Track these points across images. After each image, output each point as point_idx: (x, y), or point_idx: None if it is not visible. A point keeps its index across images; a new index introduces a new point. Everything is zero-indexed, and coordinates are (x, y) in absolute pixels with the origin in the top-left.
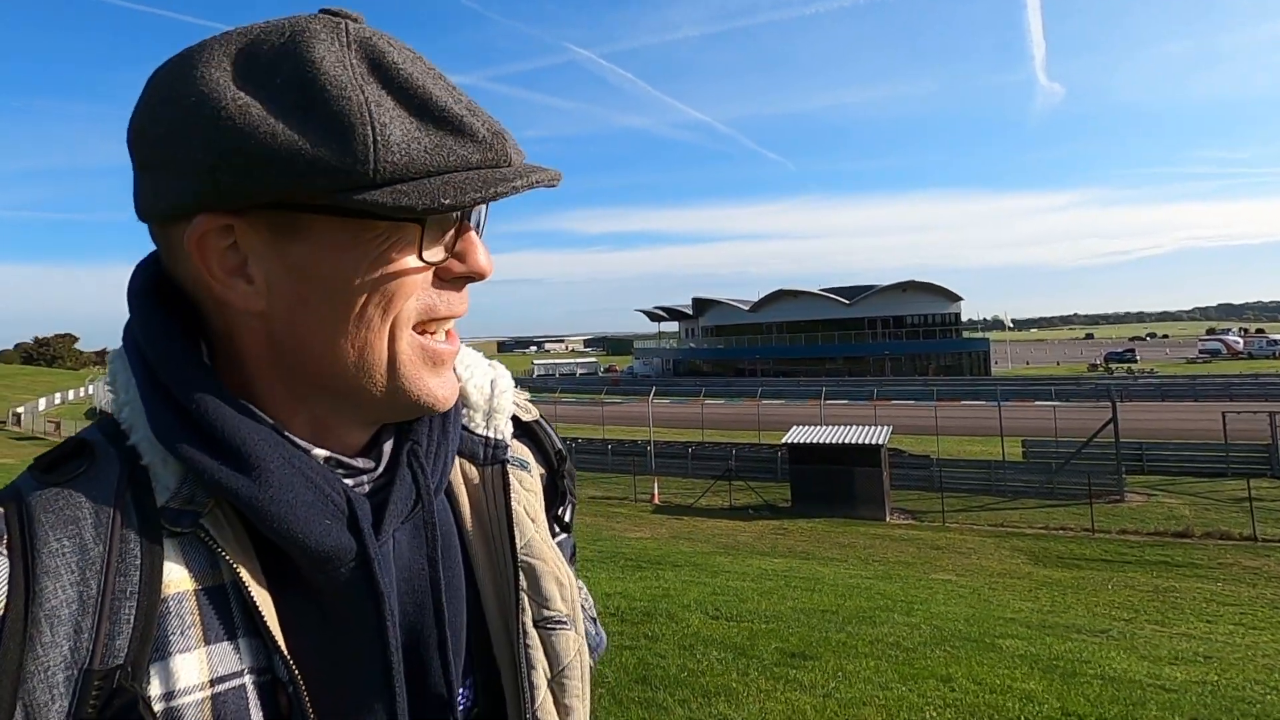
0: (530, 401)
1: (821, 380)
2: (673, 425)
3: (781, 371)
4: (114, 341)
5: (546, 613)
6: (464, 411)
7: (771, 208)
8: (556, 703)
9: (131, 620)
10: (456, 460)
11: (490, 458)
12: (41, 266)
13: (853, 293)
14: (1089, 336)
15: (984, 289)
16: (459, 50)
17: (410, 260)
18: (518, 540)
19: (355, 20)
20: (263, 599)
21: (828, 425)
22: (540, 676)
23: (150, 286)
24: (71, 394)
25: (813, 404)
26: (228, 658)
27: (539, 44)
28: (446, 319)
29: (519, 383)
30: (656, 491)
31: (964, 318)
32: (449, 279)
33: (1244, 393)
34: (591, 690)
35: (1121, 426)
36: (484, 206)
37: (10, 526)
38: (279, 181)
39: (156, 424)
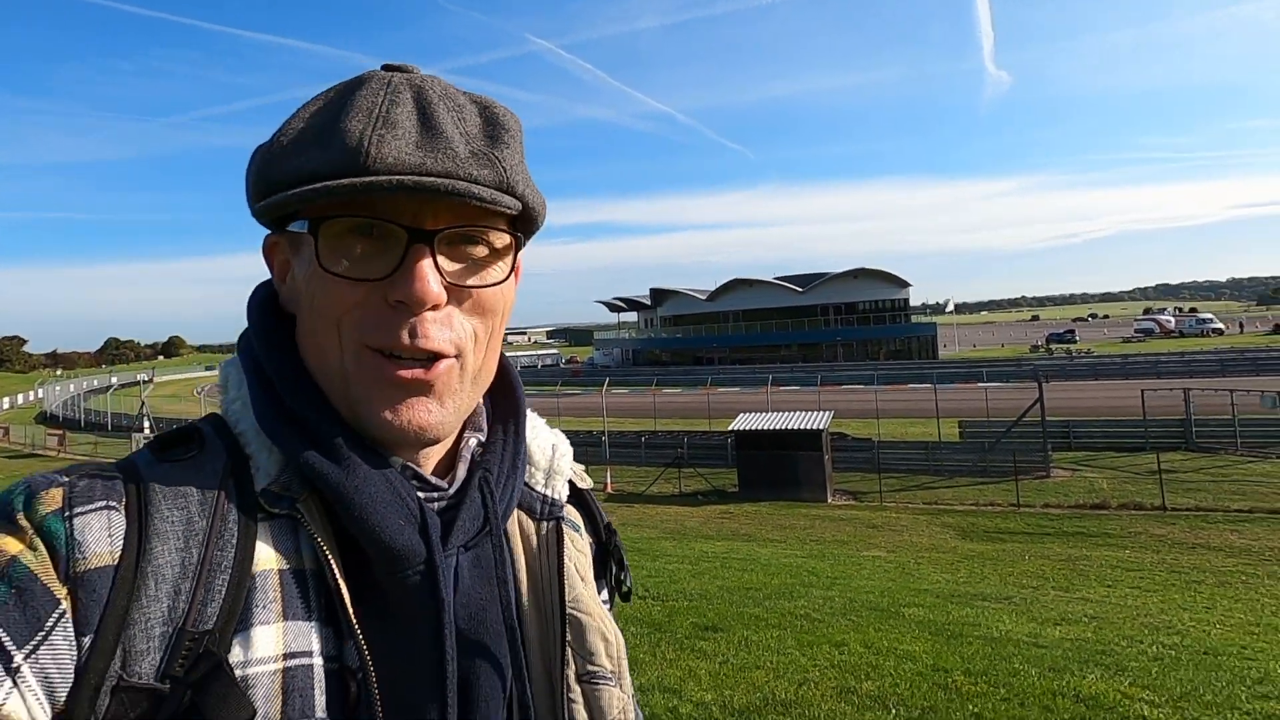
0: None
1: (775, 367)
2: (628, 415)
3: (738, 359)
4: (63, 343)
5: (591, 668)
6: (527, 468)
7: (732, 197)
8: None
9: (224, 591)
10: (515, 510)
11: (546, 514)
12: None
13: (806, 280)
14: (1035, 318)
15: (936, 273)
16: (417, 44)
17: (319, 271)
18: (567, 593)
19: (395, 68)
20: (342, 587)
21: (774, 412)
22: None
23: (267, 299)
24: (20, 398)
25: (766, 391)
26: (302, 636)
27: (499, 34)
28: (388, 344)
29: None
30: (609, 480)
31: (914, 303)
32: (394, 303)
33: (1170, 370)
34: None
35: (1053, 405)
36: (514, 240)
37: (129, 493)
38: (249, 200)
39: (264, 419)
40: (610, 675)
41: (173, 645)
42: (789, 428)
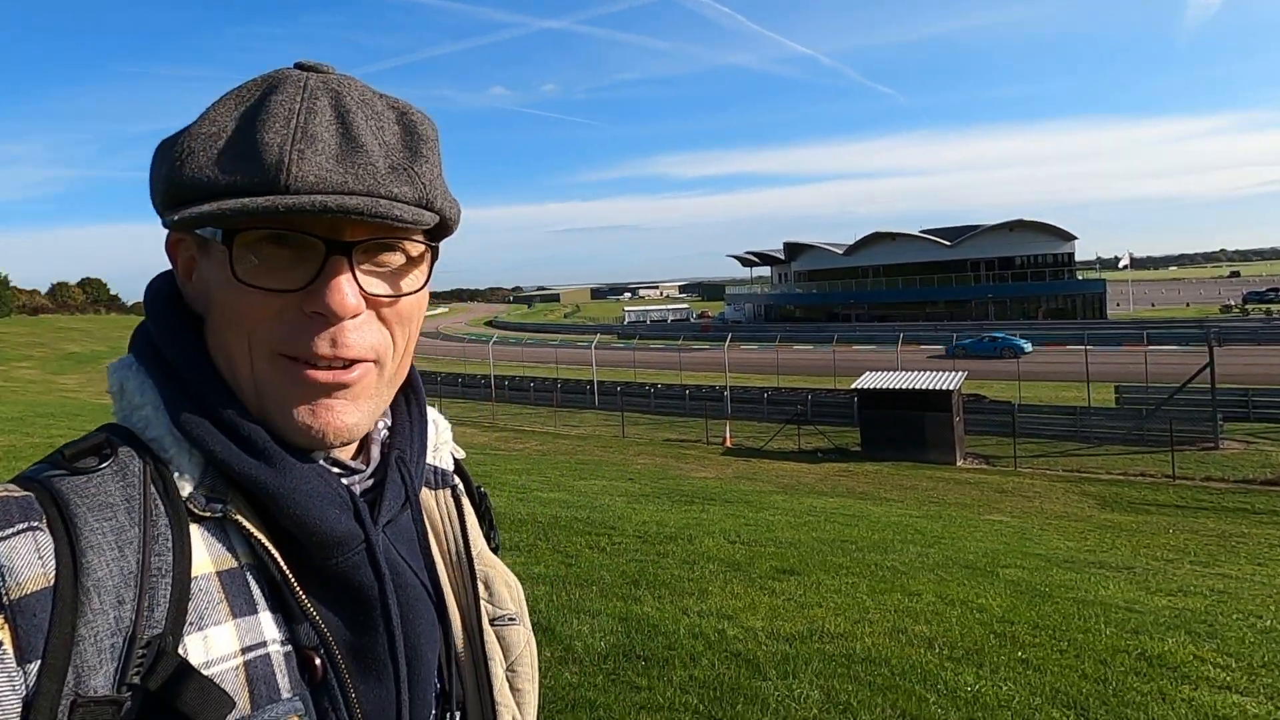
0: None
1: (917, 325)
2: (753, 371)
3: (877, 316)
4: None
5: (501, 612)
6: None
7: (879, 144)
8: (511, 687)
9: (168, 594)
10: None
11: (440, 483)
12: None
13: (955, 234)
14: (1234, 275)
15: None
16: None
17: (232, 281)
18: (474, 551)
19: (308, 68)
20: (289, 576)
21: (904, 371)
22: (497, 666)
23: (171, 296)
24: None
25: (897, 349)
26: (254, 629)
27: None
28: (307, 354)
29: (611, 330)
30: (729, 435)
31: (1082, 257)
32: (311, 313)
33: None
34: (540, 674)
35: (1236, 372)
36: (428, 250)
37: (48, 510)
38: (153, 202)
39: (182, 421)
40: (515, 616)
41: (125, 654)
42: (916, 387)
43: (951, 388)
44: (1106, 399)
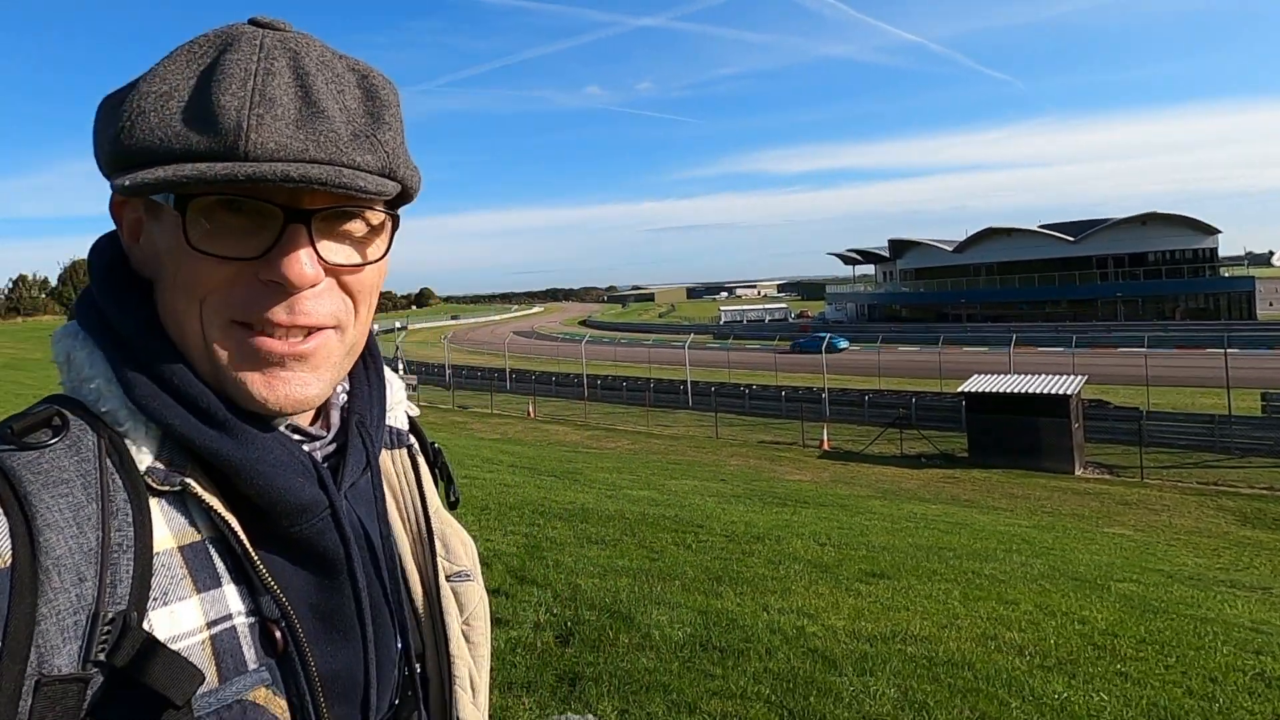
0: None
1: (1036, 326)
2: (853, 372)
3: (991, 317)
4: None
5: (457, 568)
6: None
7: (994, 135)
8: (467, 640)
9: (130, 570)
10: None
11: (396, 443)
12: None
13: (1079, 228)
14: None
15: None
16: None
17: (185, 248)
18: (431, 509)
19: (263, 25)
20: (250, 549)
21: (1017, 374)
22: (453, 621)
23: (116, 259)
24: None
25: (1009, 352)
26: (219, 603)
27: None
28: (264, 321)
29: (706, 329)
30: (826, 438)
31: (1227, 252)
32: (266, 281)
33: None
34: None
35: None
36: (389, 219)
37: (0, 488)
38: (97, 161)
39: (137, 394)
40: (470, 573)
41: (89, 631)
42: (1030, 391)
43: (1070, 392)
44: (1250, 407)
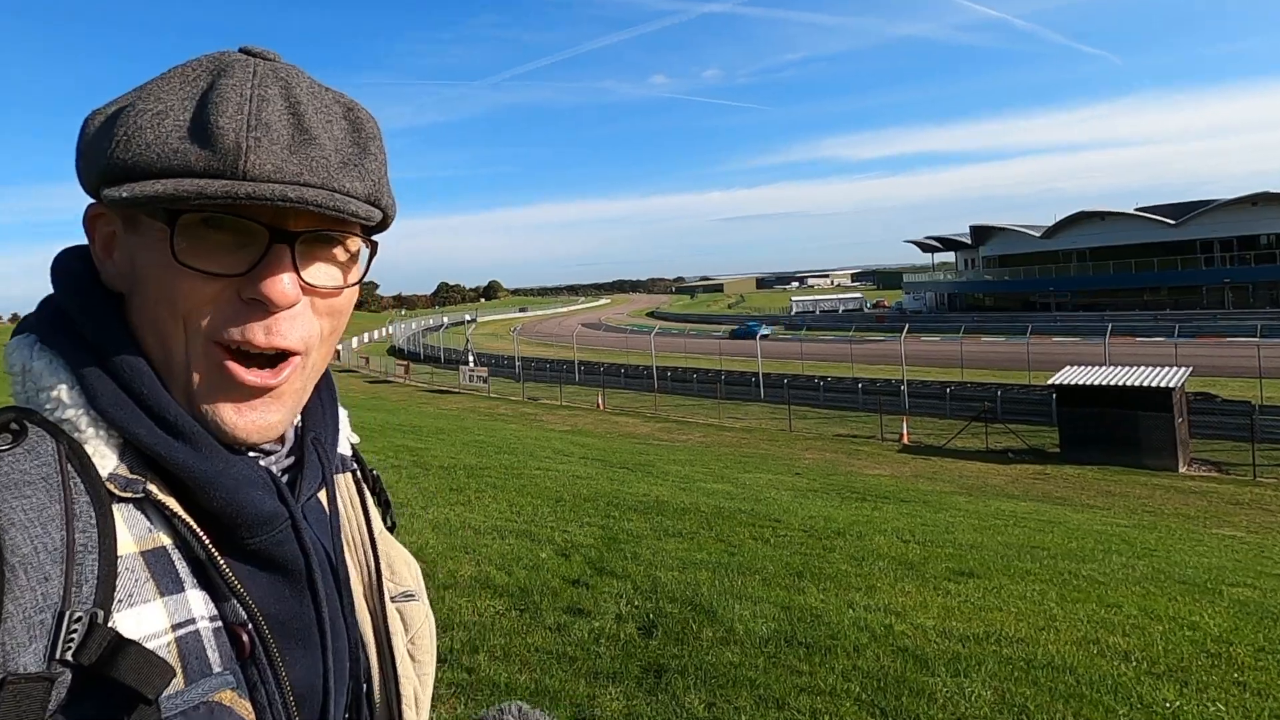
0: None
1: (1133, 315)
2: (934, 364)
3: (1082, 305)
4: (405, 287)
5: (400, 589)
6: None
7: (1085, 113)
8: (412, 658)
9: (95, 570)
10: None
11: (341, 468)
12: None
13: (1180, 211)
14: None
15: None
16: None
17: (170, 262)
18: (376, 532)
19: (254, 54)
20: (215, 555)
21: (1114, 366)
22: (399, 640)
23: (86, 273)
24: (377, 333)
25: (1104, 342)
26: (182, 607)
27: None
28: (240, 341)
29: (777, 320)
30: (905, 431)
31: None
32: (248, 299)
33: None
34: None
35: None
36: (368, 244)
37: None
38: (84, 173)
39: (103, 402)
40: (414, 593)
41: (55, 630)
42: (1128, 384)
43: (1172, 384)
44: None
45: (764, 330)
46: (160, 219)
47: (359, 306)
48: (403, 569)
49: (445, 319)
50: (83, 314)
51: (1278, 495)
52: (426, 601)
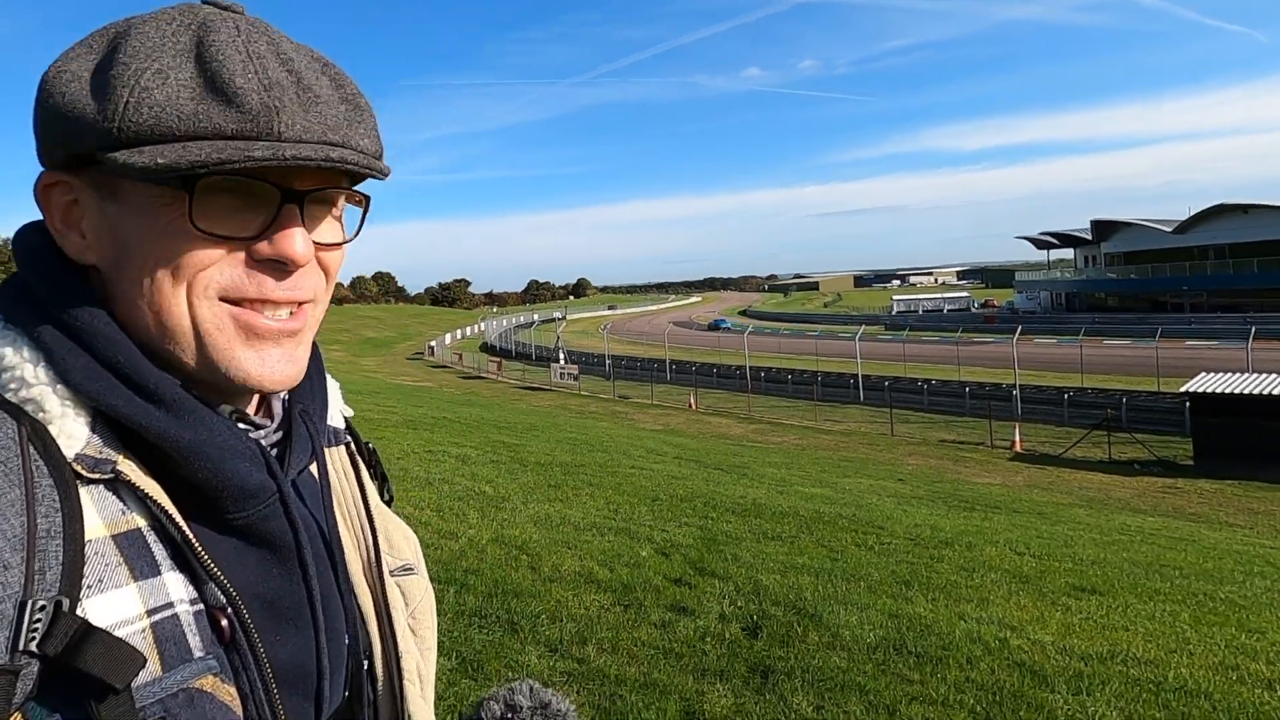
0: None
1: (1277, 316)
2: (1050, 368)
3: (1221, 306)
4: (497, 284)
5: (399, 563)
6: None
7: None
8: (413, 632)
9: (60, 557)
10: None
11: (334, 441)
12: (440, 221)
13: None
14: None
15: None
16: None
17: (185, 227)
18: (372, 506)
19: (223, 9)
20: (190, 536)
21: (1256, 373)
22: (399, 615)
23: (49, 248)
24: (469, 329)
25: (1247, 346)
26: (159, 591)
27: None
28: (257, 300)
29: (877, 320)
30: (1018, 438)
31: None
32: (261, 259)
33: None
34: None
35: None
36: (364, 200)
37: None
38: (62, 139)
39: (77, 377)
40: (413, 567)
41: (16, 620)
42: (1274, 393)
43: None
44: None
45: (727, 322)
46: (174, 185)
47: (451, 303)
48: (401, 542)
49: (536, 316)
50: (49, 289)
51: None
52: (426, 575)
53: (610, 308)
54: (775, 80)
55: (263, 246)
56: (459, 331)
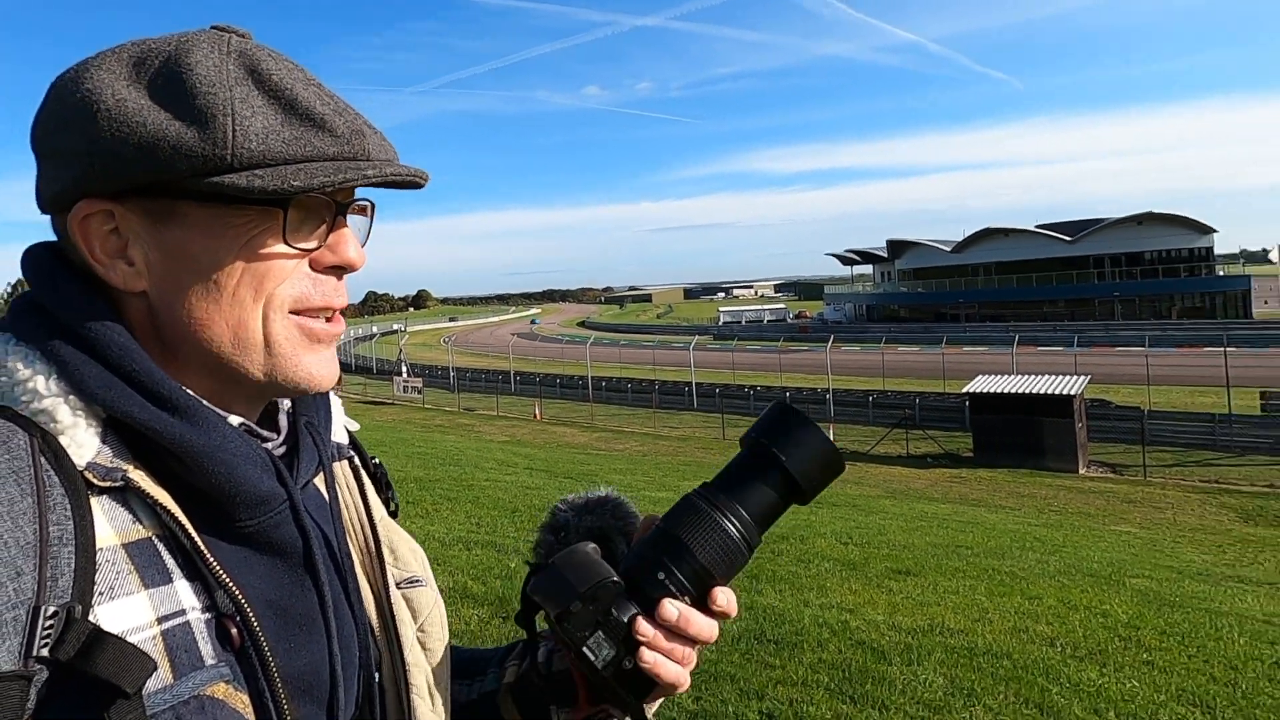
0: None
1: (1034, 326)
2: (856, 373)
3: (988, 316)
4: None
5: (405, 575)
6: None
7: (992, 134)
8: (423, 647)
9: (72, 564)
10: None
11: (338, 455)
12: None
13: (1076, 228)
14: None
15: (1259, 216)
16: None
17: (276, 245)
18: (377, 518)
19: (241, 35)
20: (200, 544)
21: (1021, 374)
22: (407, 628)
23: (62, 268)
24: None
25: (1012, 352)
26: (170, 599)
27: None
28: (323, 307)
29: (706, 330)
30: (832, 438)
31: (1223, 250)
32: (322, 269)
33: None
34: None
35: None
36: (370, 206)
37: None
38: (146, 166)
39: (91, 385)
40: (421, 579)
41: (29, 626)
42: (1034, 392)
43: (1073, 392)
44: (1249, 405)
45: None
46: (265, 205)
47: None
48: (407, 554)
49: (375, 328)
50: (61, 304)
51: (1165, 493)
52: (435, 587)
53: (452, 319)
54: (614, 99)
55: (324, 255)
56: None
